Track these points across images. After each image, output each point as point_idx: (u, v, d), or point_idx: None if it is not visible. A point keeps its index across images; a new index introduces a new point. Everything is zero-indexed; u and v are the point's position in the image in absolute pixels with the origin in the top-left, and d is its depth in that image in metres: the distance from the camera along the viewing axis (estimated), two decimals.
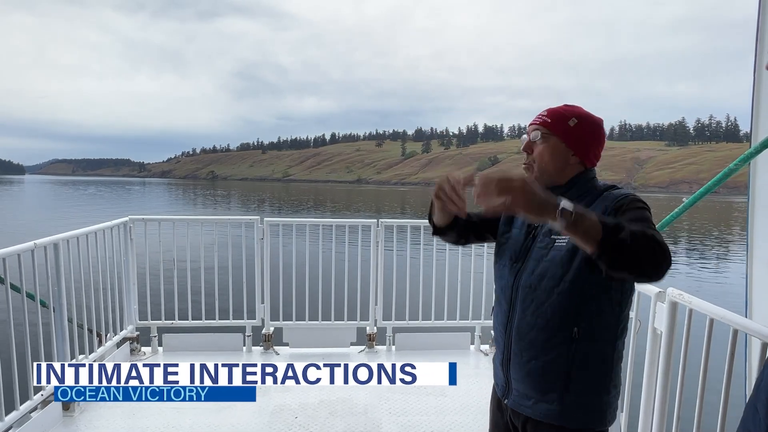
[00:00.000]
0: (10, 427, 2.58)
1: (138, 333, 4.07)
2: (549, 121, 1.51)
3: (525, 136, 1.57)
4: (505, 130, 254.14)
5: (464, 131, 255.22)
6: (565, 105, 1.55)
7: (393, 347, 4.30)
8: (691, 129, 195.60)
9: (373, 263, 4.22)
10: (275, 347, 4.22)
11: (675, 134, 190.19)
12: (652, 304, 2.16)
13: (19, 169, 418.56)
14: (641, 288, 2.18)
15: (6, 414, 2.53)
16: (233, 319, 4.17)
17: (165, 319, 4.13)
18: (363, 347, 4.26)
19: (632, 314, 2.21)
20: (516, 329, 1.48)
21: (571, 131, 1.48)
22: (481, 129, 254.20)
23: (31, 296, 2.86)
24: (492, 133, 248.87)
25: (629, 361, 2.29)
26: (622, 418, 2.47)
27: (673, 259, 1.17)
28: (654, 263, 1.13)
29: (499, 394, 1.63)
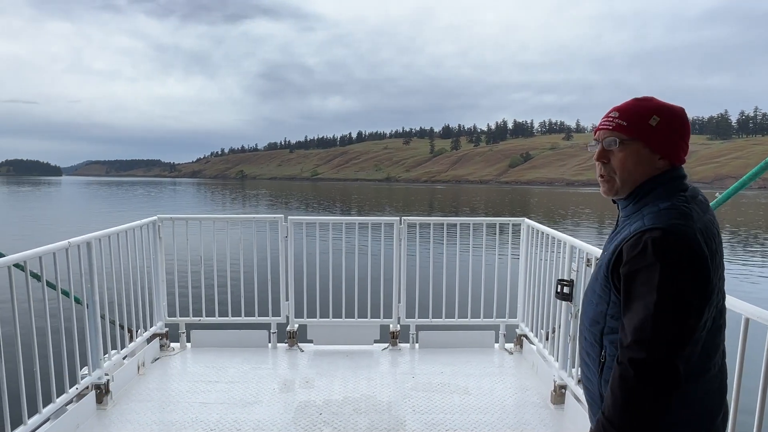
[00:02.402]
0: (47, 419, 2.68)
1: (167, 329, 4.18)
2: (625, 124, 1.29)
3: (594, 142, 1.36)
4: (536, 125, 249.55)
5: (493, 127, 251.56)
6: (636, 100, 1.33)
7: (416, 345, 4.29)
8: (734, 122, 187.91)
9: (396, 261, 4.22)
10: (300, 344, 4.26)
11: (717, 127, 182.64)
12: None
13: (57, 171, 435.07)
14: None
15: (43, 406, 2.63)
16: (258, 316, 4.23)
17: (193, 316, 4.22)
18: (386, 345, 4.27)
19: None
20: None
21: (654, 132, 1.27)
22: (510, 125, 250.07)
23: (66, 293, 2.96)
24: (522, 129, 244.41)
25: None
26: None
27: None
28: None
29: None
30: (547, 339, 3.62)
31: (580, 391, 2.96)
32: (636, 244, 1.17)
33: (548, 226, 3.75)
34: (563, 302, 3.15)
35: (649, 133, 1.28)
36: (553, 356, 3.44)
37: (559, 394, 3.23)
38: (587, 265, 2.90)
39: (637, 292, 1.15)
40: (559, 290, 3.10)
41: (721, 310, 1.25)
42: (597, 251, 2.80)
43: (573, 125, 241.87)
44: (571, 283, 3.05)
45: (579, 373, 2.99)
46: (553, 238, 3.50)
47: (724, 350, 1.28)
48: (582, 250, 2.98)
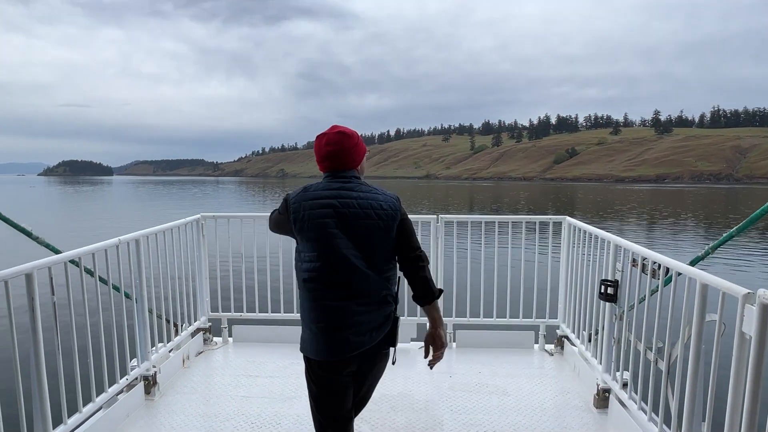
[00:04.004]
0: (99, 408, 2.82)
1: (210, 324, 4.31)
2: None
3: None
4: (581, 120, 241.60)
5: (535, 123, 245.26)
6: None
7: (454, 344, 4.25)
8: None
9: (433, 259, 4.18)
10: None
11: None
12: (740, 306, 1.96)
13: (108, 171, 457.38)
14: (726, 288, 1.99)
15: (96, 395, 2.76)
16: (297, 312, 4.30)
17: (234, 312, 4.34)
18: (423, 344, 4.24)
19: (716, 317, 2.04)
20: None
21: None
22: (553, 120, 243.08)
23: (116, 288, 3.11)
24: (565, 124, 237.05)
25: (712, 367, 2.11)
26: (704, 428, 2.28)
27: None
28: None
29: None
30: (589, 341, 3.51)
31: (625, 396, 2.86)
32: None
33: (595, 225, 3.63)
34: (607, 303, 3.04)
35: None
36: (596, 359, 3.33)
37: (602, 398, 3.13)
38: (633, 266, 2.79)
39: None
40: (602, 291, 3.00)
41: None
42: (643, 251, 2.69)
43: (621, 119, 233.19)
44: (615, 284, 2.95)
45: (624, 376, 2.89)
46: (596, 236, 3.39)
47: None
48: (627, 250, 2.87)
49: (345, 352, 1.96)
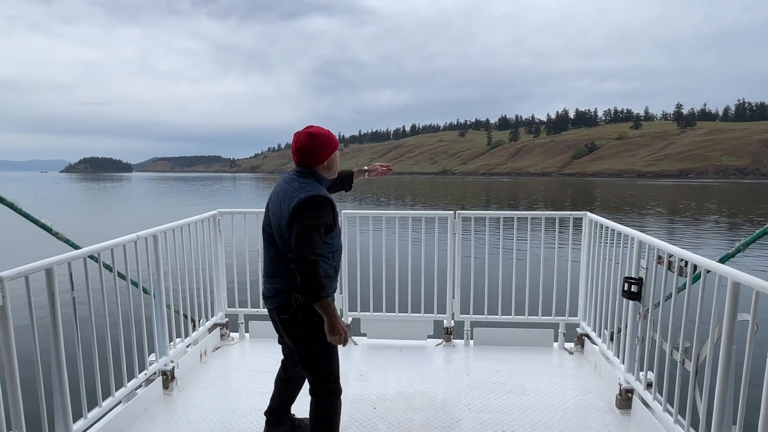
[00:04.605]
0: (119, 402, 2.84)
1: (227, 320, 4.33)
2: None
3: None
4: (600, 114, 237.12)
5: (553, 117, 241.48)
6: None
7: (471, 342, 4.20)
8: None
9: (450, 256, 4.13)
10: (353, 337, 4.28)
11: None
12: None
13: (127, 167, 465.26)
14: (760, 287, 1.91)
15: (115, 390, 2.79)
16: None
17: (251, 307, 4.34)
18: (440, 341, 4.21)
19: (748, 316, 1.95)
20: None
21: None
22: (571, 114, 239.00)
23: (134, 283, 3.12)
24: (584, 119, 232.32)
25: (744, 368, 2.03)
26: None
27: None
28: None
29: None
30: (611, 339, 3.43)
31: (649, 396, 2.78)
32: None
33: (615, 221, 3.53)
34: (630, 301, 2.96)
35: None
36: (618, 358, 3.25)
37: (625, 398, 3.05)
38: (658, 263, 2.70)
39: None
40: (626, 288, 2.92)
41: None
42: (670, 247, 2.60)
43: (641, 113, 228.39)
44: (639, 281, 2.86)
45: (648, 376, 2.81)
46: (619, 233, 3.30)
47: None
48: (652, 246, 2.78)
49: (266, 305, 2.49)
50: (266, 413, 2.73)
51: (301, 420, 2.81)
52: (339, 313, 4.23)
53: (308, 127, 2.39)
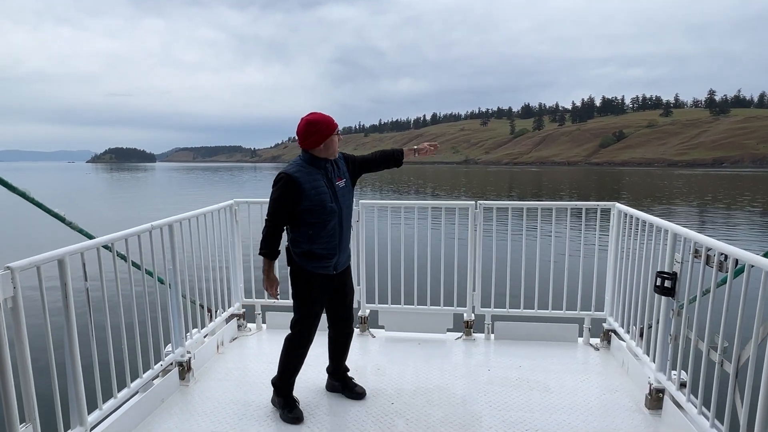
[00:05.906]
0: (135, 393, 2.82)
1: (244, 310, 4.30)
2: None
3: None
4: (627, 101, 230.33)
5: (578, 105, 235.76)
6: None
7: (492, 336, 4.08)
8: None
9: (471, 247, 4.00)
10: (371, 330, 4.21)
11: None
12: None
13: (151, 157, 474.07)
14: None
15: (131, 381, 2.76)
16: None
17: (267, 298, 4.29)
18: (460, 334, 4.10)
19: None
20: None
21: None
22: (597, 102, 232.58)
23: (150, 273, 3.09)
24: (611, 106, 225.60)
25: (765, 368, 1.87)
26: None
27: None
28: None
29: (330, 271, 2.90)
30: (641, 336, 3.26)
31: (682, 397, 2.63)
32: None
33: (646, 212, 3.35)
34: (662, 297, 2.80)
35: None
36: (648, 356, 3.09)
37: (655, 398, 2.90)
38: (695, 257, 2.53)
39: None
40: (658, 283, 2.76)
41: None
42: (708, 240, 2.43)
43: (671, 99, 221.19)
44: (674, 276, 2.70)
45: (682, 376, 2.66)
46: (651, 224, 3.12)
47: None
48: (688, 239, 2.61)
49: None
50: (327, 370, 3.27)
51: (355, 384, 3.17)
52: (357, 306, 4.19)
53: (309, 114, 2.77)
